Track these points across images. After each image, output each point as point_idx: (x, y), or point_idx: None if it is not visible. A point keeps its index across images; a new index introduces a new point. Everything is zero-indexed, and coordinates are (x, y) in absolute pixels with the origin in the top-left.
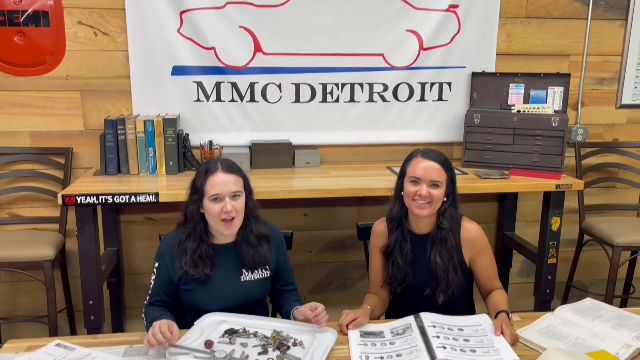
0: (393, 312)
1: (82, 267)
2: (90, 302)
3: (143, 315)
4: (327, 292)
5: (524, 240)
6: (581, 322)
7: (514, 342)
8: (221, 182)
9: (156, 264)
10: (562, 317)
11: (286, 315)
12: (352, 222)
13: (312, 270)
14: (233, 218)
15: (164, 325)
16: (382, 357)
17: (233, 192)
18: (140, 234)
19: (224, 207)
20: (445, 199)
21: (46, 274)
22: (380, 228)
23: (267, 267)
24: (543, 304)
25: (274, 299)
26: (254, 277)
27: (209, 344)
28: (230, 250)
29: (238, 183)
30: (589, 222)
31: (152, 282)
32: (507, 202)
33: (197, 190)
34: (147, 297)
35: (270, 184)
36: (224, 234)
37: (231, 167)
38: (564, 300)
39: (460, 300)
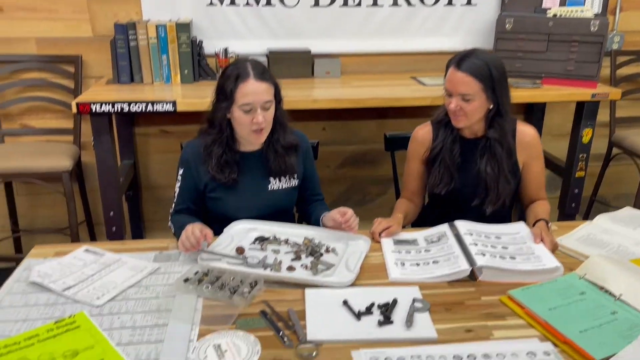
0: (437, 221)
1: (100, 178)
2: (111, 213)
3: (170, 224)
4: None
5: (550, 155)
6: (622, 230)
7: (554, 249)
8: (254, 91)
9: (180, 171)
10: (601, 226)
11: (315, 223)
12: (372, 136)
13: (331, 185)
14: (262, 129)
15: (197, 228)
16: (417, 264)
17: (265, 101)
18: (156, 147)
19: (255, 118)
20: (491, 107)
21: (65, 185)
22: (422, 134)
23: (295, 175)
24: (567, 218)
25: (301, 209)
26: (282, 186)
27: (240, 250)
28: (256, 158)
29: (270, 92)
30: (619, 134)
31: (177, 189)
32: (534, 115)
33: (226, 96)
34: (173, 206)
35: (290, 94)
36: (253, 143)
37: (264, 74)
38: (586, 216)
39: (507, 210)
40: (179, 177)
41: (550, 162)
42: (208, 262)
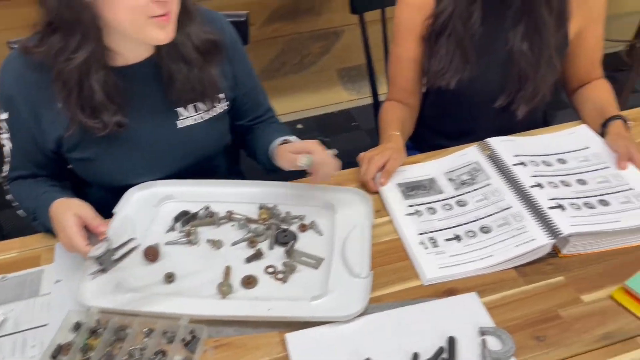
0: (424, 131)
1: None
2: None
3: (9, 195)
4: (280, 77)
5: None
6: None
7: None
8: None
9: (4, 115)
10: None
11: (263, 159)
12: None
13: (257, 49)
14: (168, 13)
15: (74, 229)
16: (457, 237)
17: None
18: None
19: None
20: None
21: None
22: None
23: (221, 94)
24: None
25: (243, 142)
26: (201, 117)
27: (151, 253)
28: (148, 74)
29: None
30: None
31: (8, 144)
32: None
33: None
34: (7, 167)
35: None
36: (157, 40)
37: None
38: None
39: (541, 109)
40: (4, 125)
41: None
42: (91, 299)
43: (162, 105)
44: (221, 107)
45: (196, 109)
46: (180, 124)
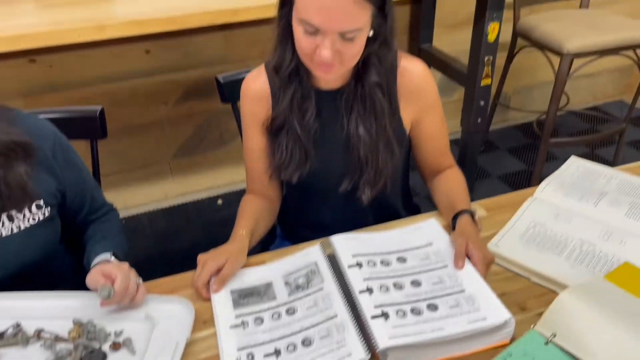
0: (289, 222)
1: None
2: None
3: None
4: (200, 153)
5: (447, 56)
6: (578, 208)
7: (489, 264)
8: None
9: None
10: (550, 202)
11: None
12: (218, 54)
13: (174, 127)
14: None
15: None
16: (277, 352)
17: None
18: None
19: None
20: (371, 34)
21: None
22: (257, 86)
23: (42, 200)
24: (470, 137)
25: (80, 239)
26: (18, 226)
27: None
28: None
29: None
30: (526, 22)
31: None
32: (424, 4)
33: None
34: None
35: (54, 18)
36: None
37: None
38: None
39: (394, 194)
40: None
41: (449, 67)
42: None
43: None
44: (42, 213)
45: (10, 219)
46: None
